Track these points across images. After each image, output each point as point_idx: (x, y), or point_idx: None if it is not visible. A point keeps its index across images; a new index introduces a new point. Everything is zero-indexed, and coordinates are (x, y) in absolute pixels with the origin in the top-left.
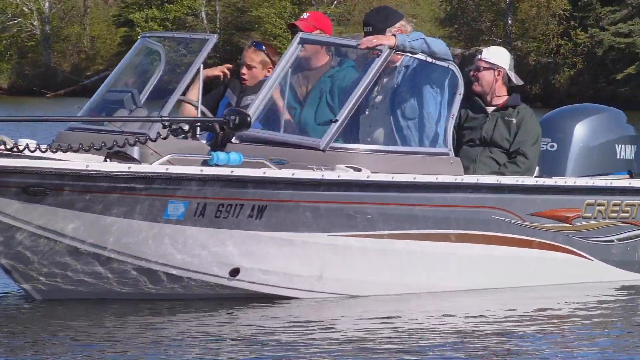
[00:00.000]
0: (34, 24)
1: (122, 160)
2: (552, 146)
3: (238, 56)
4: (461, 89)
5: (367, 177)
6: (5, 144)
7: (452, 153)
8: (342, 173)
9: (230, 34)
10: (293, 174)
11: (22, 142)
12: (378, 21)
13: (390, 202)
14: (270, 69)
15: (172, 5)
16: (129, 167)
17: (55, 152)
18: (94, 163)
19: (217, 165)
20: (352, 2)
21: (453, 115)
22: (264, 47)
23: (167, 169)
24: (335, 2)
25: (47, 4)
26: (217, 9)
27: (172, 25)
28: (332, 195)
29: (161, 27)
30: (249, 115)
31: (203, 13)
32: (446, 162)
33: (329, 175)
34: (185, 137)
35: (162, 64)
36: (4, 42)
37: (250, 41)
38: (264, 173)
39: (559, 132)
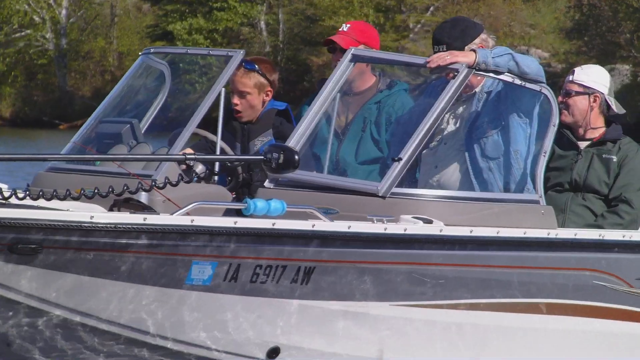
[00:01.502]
0: (47, 37)
1: (134, 210)
2: None
3: (305, 77)
4: (556, 119)
5: (440, 231)
6: None
7: (543, 200)
8: (410, 226)
9: (297, 49)
10: (349, 227)
11: None
12: (454, 38)
13: (468, 263)
14: (269, 92)
15: (222, 13)
16: (145, 219)
17: (49, 199)
18: (99, 214)
19: (254, 215)
20: (452, 8)
21: (545, 153)
22: (256, 66)
23: (192, 221)
24: (431, 9)
25: (63, 12)
26: (280, 17)
27: (222, 38)
28: (396, 255)
29: (208, 40)
30: (297, 153)
31: (262, 23)
32: (536, 212)
33: (393, 228)
34: (199, 181)
35: (167, 88)
36: (8, 59)
37: (238, 61)
38: (313, 226)
39: None
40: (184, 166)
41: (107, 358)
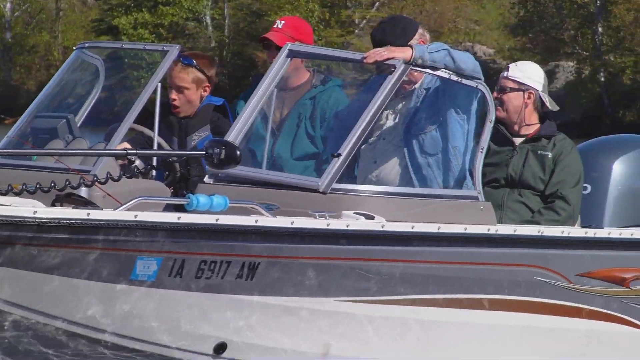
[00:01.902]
0: None
1: (76, 205)
2: (584, 188)
3: (251, 72)
4: (492, 115)
5: (382, 227)
6: None
7: (482, 197)
8: (352, 222)
9: (242, 44)
10: (292, 223)
11: None
12: (396, 37)
13: (410, 259)
14: (207, 87)
15: (168, 7)
16: (88, 214)
17: (5, 194)
18: (42, 209)
19: (196, 211)
20: (398, 4)
21: (482, 149)
22: (194, 61)
23: (136, 216)
24: (377, 4)
25: (8, 5)
26: (225, 12)
27: (167, 32)
28: (340, 250)
29: (153, 35)
30: (238, 148)
31: (208, 17)
32: (476, 208)
33: (336, 224)
34: (136, 176)
35: (101, 83)
36: None
37: (174, 56)
38: (256, 222)
39: (593, 170)
40: (121, 161)
41: (55, 354)
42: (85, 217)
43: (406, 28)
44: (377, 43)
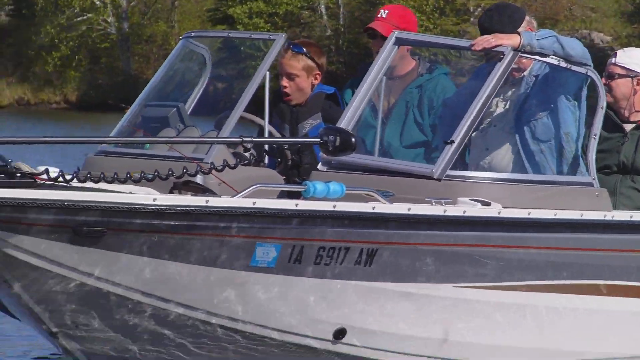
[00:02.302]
0: (108, 20)
1: (194, 192)
2: None
3: (367, 60)
4: (604, 102)
5: (499, 213)
6: (48, 173)
7: (596, 183)
8: (468, 208)
9: (358, 32)
10: (409, 210)
11: (43, 170)
12: (504, 25)
13: (526, 245)
14: (317, 75)
15: None
16: (207, 202)
17: (110, 182)
18: (162, 196)
19: (313, 198)
20: None
21: (595, 135)
22: (304, 49)
23: (254, 203)
24: None
25: None
26: (339, 1)
27: (282, 21)
28: (457, 237)
29: (268, 24)
30: (353, 135)
31: (322, 6)
32: (591, 194)
33: (453, 210)
34: (251, 163)
35: (208, 72)
36: (71, 43)
37: (285, 43)
38: (374, 208)
39: None
40: (232, 149)
41: (177, 339)
42: (204, 204)
43: (513, 15)
44: (485, 31)
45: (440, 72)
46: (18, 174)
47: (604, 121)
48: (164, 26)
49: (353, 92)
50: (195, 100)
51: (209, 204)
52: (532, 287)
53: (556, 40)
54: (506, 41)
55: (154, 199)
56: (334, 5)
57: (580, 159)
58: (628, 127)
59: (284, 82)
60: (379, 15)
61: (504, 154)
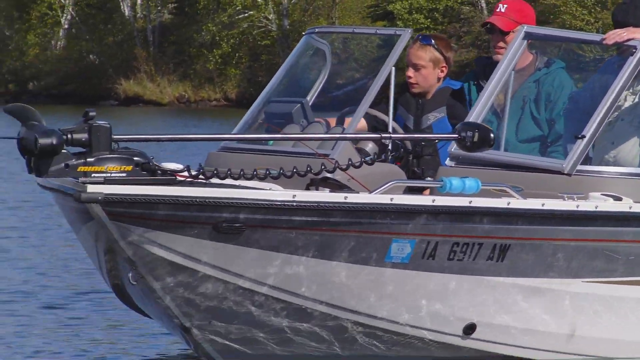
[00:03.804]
0: (269, 17)
1: (332, 188)
2: None
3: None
4: None
5: (630, 208)
6: (189, 170)
7: None
8: (600, 203)
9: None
10: (543, 205)
11: (167, 166)
12: (638, 18)
13: None
14: (444, 68)
15: None
16: (345, 198)
17: (250, 179)
18: (301, 192)
19: (449, 194)
20: None
21: None
22: (433, 41)
23: (392, 199)
24: None
25: None
26: None
27: (442, 17)
28: (588, 232)
29: (428, 19)
30: (491, 131)
31: (483, 1)
32: None
33: (585, 206)
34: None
35: (327, 68)
36: (232, 41)
37: (406, 40)
38: (509, 204)
39: None
40: (356, 145)
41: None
42: (343, 200)
43: None
44: (618, 24)
45: (558, 67)
46: (159, 172)
47: None
48: (325, 23)
49: (470, 86)
50: (315, 96)
51: (347, 201)
52: None
53: None
54: (639, 35)
55: (294, 195)
56: (494, 0)
57: None
58: None
59: (410, 72)
60: (498, 10)
61: (631, 148)
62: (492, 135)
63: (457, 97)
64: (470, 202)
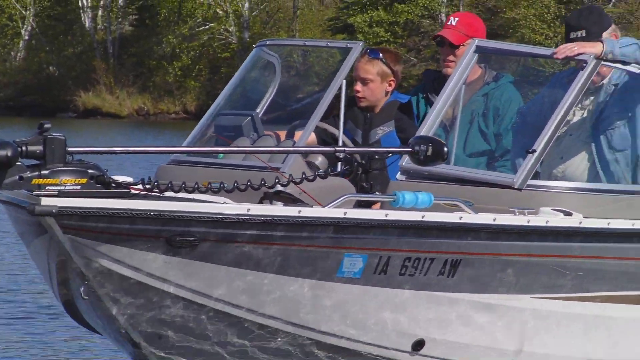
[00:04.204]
0: (230, 30)
1: (286, 202)
2: None
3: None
4: None
5: (580, 224)
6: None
7: None
8: (551, 218)
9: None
10: (495, 220)
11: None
12: (592, 23)
13: (605, 255)
14: (392, 82)
15: (403, 5)
16: (300, 212)
17: (205, 192)
18: (255, 206)
19: (402, 208)
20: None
21: None
22: (380, 55)
23: (345, 214)
24: (613, 0)
25: (246, 5)
26: (460, 9)
27: (402, 30)
28: (538, 247)
29: (388, 32)
30: (445, 145)
31: (443, 15)
32: None
33: (536, 221)
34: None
35: (277, 81)
36: (192, 53)
37: (362, 49)
38: (461, 219)
39: None
40: (306, 159)
41: (259, 346)
42: (297, 214)
43: (602, 16)
44: (572, 28)
45: (506, 81)
46: (114, 184)
47: None
48: (285, 35)
49: (418, 99)
50: (264, 109)
51: (302, 214)
52: (608, 298)
53: (638, 48)
54: (589, 49)
55: (248, 209)
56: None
57: None
58: None
59: (358, 86)
60: (449, 23)
61: (579, 163)
62: (445, 149)
63: (405, 110)
64: (423, 216)
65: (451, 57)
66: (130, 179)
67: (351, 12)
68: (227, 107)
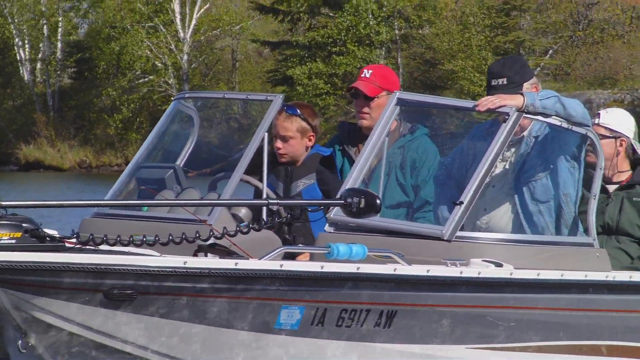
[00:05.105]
0: (169, 82)
1: (221, 255)
2: None
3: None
4: (602, 163)
5: (511, 275)
6: (78, 237)
7: (596, 243)
8: (483, 269)
9: (417, 93)
10: (428, 271)
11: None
12: (515, 72)
13: (536, 305)
14: (312, 137)
15: (341, 57)
16: (236, 264)
17: (139, 245)
18: (192, 259)
19: (336, 260)
20: (572, 51)
21: (595, 196)
22: (298, 111)
23: (281, 266)
24: (550, 52)
25: (185, 57)
26: (399, 62)
27: (342, 82)
28: (471, 298)
29: (328, 84)
30: (378, 197)
31: None
32: (591, 255)
33: (468, 272)
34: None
35: (195, 134)
36: (132, 105)
37: (278, 105)
38: (395, 270)
39: None
40: (231, 211)
41: None
42: (234, 267)
43: (525, 66)
44: (495, 75)
45: (421, 133)
46: (48, 238)
47: (585, 182)
48: (225, 88)
49: (335, 151)
50: (183, 161)
51: (238, 267)
52: (540, 348)
53: (558, 101)
54: (510, 102)
55: (185, 262)
56: (394, 65)
57: (579, 220)
58: (611, 187)
59: (278, 143)
60: (363, 75)
61: (502, 214)
62: (378, 201)
63: (327, 163)
64: (358, 268)
65: (366, 109)
66: (55, 232)
67: (290, 64)
68: (147, 160)
